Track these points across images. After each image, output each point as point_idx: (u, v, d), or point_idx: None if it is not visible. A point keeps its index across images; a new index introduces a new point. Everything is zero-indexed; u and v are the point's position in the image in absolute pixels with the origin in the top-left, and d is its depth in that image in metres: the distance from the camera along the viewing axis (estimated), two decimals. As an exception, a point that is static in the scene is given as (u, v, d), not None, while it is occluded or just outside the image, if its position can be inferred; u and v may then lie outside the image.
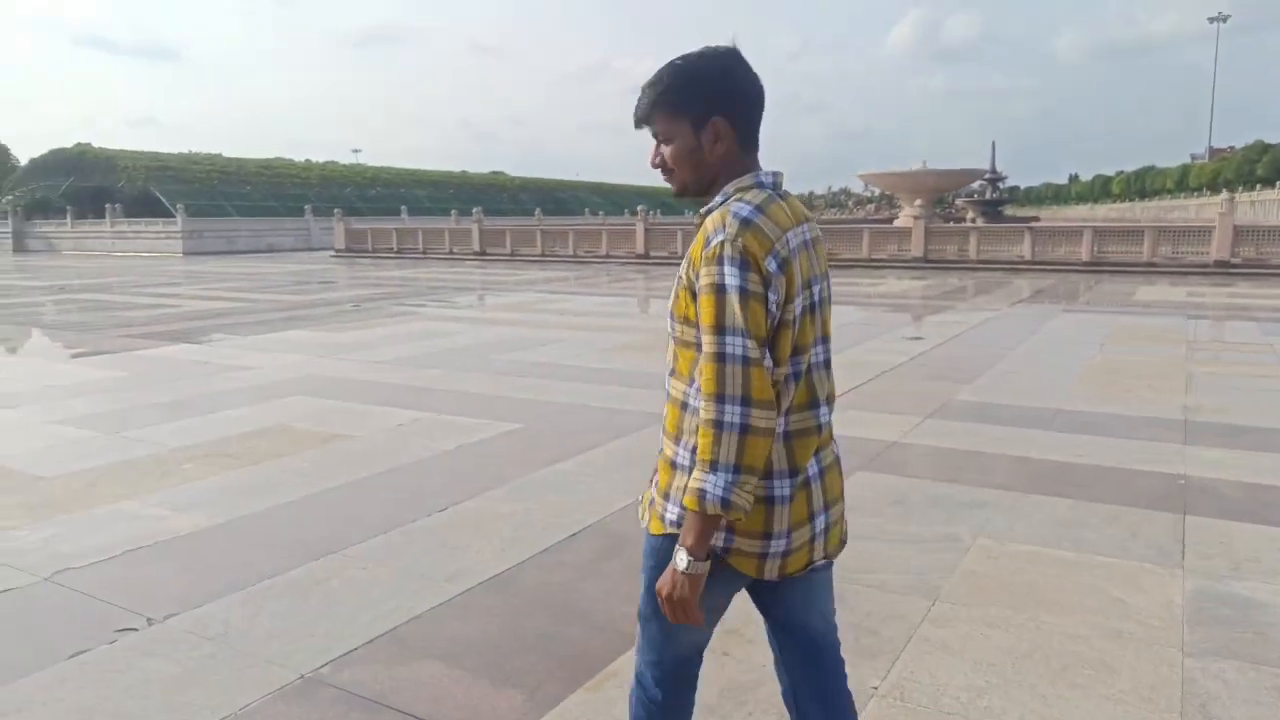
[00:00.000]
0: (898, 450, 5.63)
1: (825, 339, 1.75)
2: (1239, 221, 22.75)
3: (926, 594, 3.49)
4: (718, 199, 1.69)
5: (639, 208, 30.94)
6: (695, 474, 1.56)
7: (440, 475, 5.22)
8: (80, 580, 3.69)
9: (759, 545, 1.67)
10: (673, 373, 1.73)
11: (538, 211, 51.88)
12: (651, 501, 1.77)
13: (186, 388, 7.89)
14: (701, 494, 1.54)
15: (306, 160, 70.69)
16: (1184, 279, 20.29)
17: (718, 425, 1.53)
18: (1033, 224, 27.36)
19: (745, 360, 1.52)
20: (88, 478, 5.11)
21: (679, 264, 1.70)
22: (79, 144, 58.64)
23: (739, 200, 1.63)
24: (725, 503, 1.52)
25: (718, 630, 1.93)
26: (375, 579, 3.70)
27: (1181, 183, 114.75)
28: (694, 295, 1.61)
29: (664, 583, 1.62)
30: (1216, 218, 22.22)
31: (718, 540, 1.65)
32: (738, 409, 1.52)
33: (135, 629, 3.25)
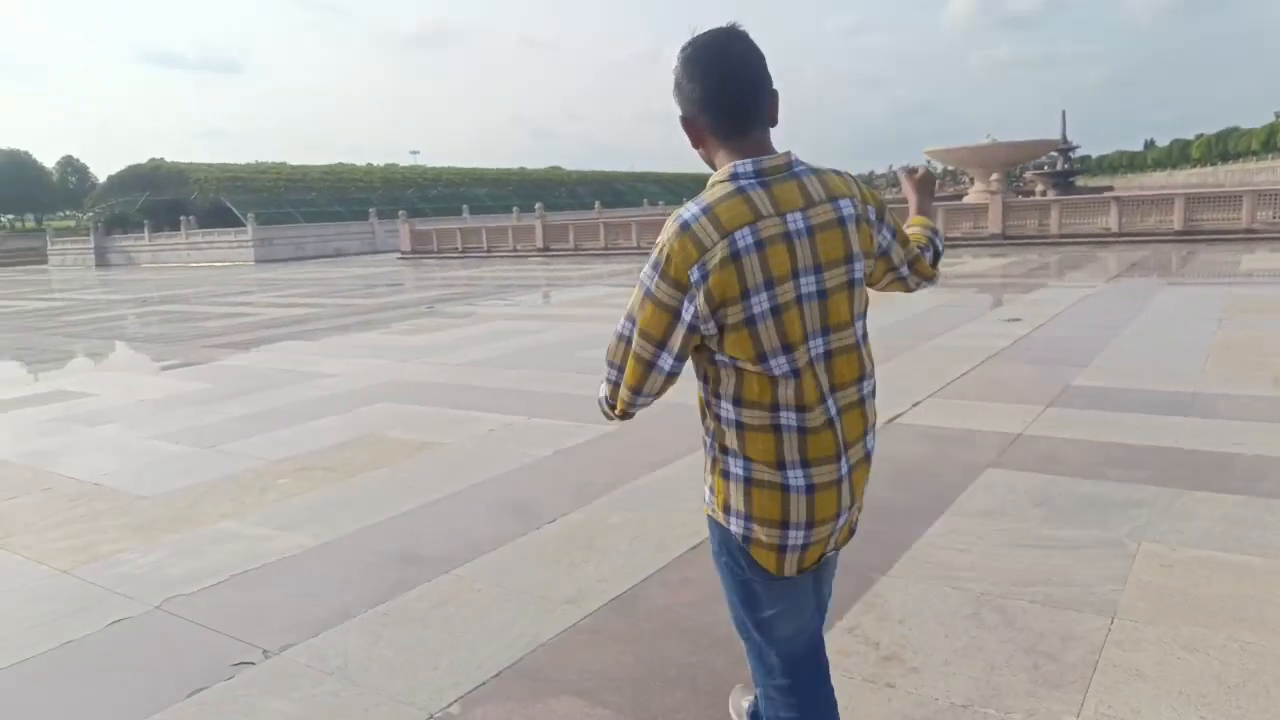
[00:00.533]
0: (1025, 444, 5.23)
1: (832, 329, 1.70)
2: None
3: (1101, 610, 3.12)
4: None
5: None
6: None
7: (541, 484, 5.01)
8: (191, 608, 3.55)
9: (776, 535, 1.72)
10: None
11: (597, 204, 51.87)
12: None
13: (273, 397, 7.85)
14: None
15: (368, 164, 71.93)
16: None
17: (608, 381, 1.79)
18: (1118, 194, 26.13)
19: (620, 336, 1.71)
20: (188, 496, 5.03)
21: None
22: (153, 159, 60.63)
23: (696, 199, 1.64)
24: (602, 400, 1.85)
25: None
26: (493, 602, 3.48)
27: (1269, 143, 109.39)
28: None
29: None
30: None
31: (737, 527, 1.75)
32: (607, 370, 1.77)
33: (252, 662, 3.08)
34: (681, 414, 6.54)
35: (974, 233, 25.02)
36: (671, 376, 1.72)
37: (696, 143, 1.74)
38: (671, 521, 4.20)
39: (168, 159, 60.79)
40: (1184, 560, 3.49)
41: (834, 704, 1.95)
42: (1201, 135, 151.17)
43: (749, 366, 1.64)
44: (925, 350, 8.54)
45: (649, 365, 1.69)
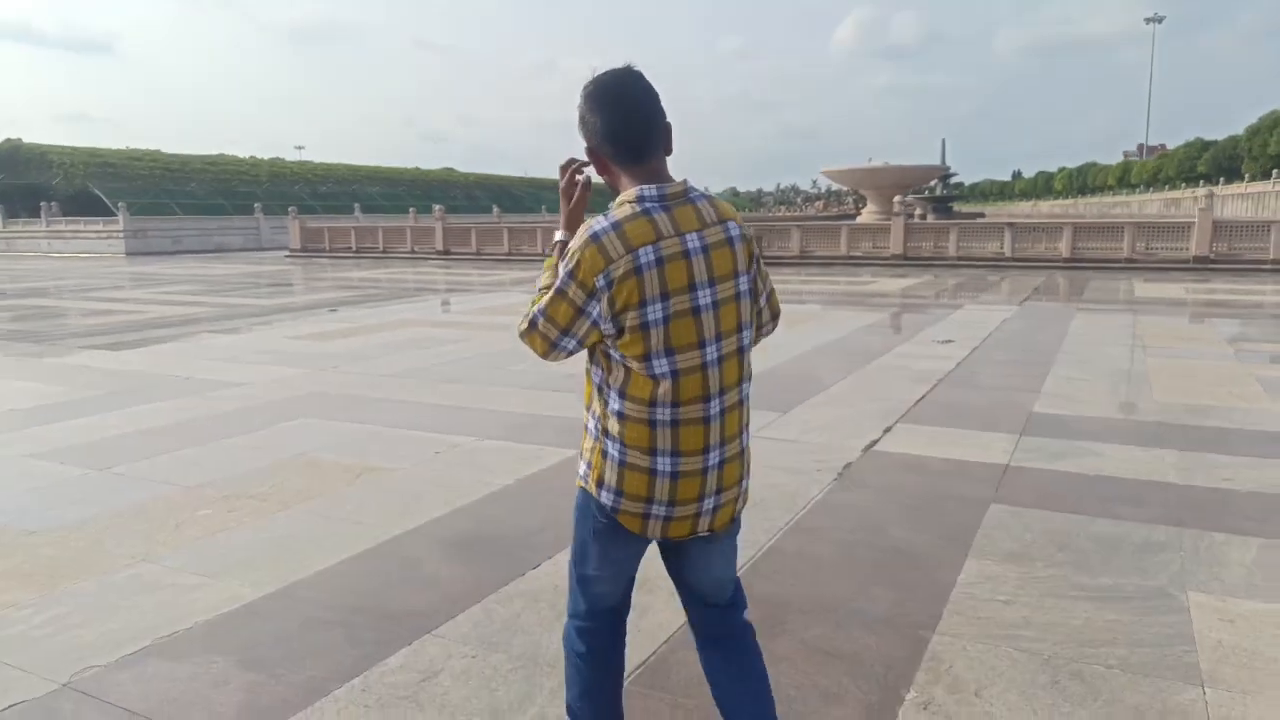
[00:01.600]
0: (1016, 477, 5.01)
1: (723, 335, 1.92)
2: (1215, 217, 22.80)
3: (1188, 678, 2.84)
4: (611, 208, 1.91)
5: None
6: (550, 274, 1.97)
7: (512, 518, 4.45)
8: (110, 687, 2.86)
9: (640, 508, 1.96)
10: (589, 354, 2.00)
11: (495, 209, 50.72)
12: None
13: (173, 410, 6.96)
14: (541, 278, 2.01)
15: (252, 157, 68.35)
16: (1166, 274, 20.24)
17: (523, 322, 1.98)
18: (1011, 221, 27.19)
19: (533, 324, 1.95)
20: (90, 532, 4.23)
21: None
22: (8, 139, 55.77)
23: (604, 214, 1.87)
24: (530, 322, 1.97)
25: None
26: (495, 673, 2.94)
27: (1123, 179, 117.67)
28: None
29: (563, 189, 2.07)
30: (1196, 214, 22.24)
31: (608, 499, 1.98)
32: (521, 332, 1.99)
33: (205, 764, 2.45)
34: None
35: (875, 252, 25.55)
36: (570, 354, 1.96)
37: (602, 170, 1.95)
38: (676, 566, 3.74)
39: (25, 140, 56.05)
40: (1244, 615, 3.26)
41: (618, 668, 2.29)
42: (1063, 169, 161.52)
43: (635, 365, 1.87)
44: (871, 372, 8.36)
45: (552, 345, 1.95)
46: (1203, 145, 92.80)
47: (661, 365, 1.86)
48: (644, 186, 1.86)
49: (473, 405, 7.06)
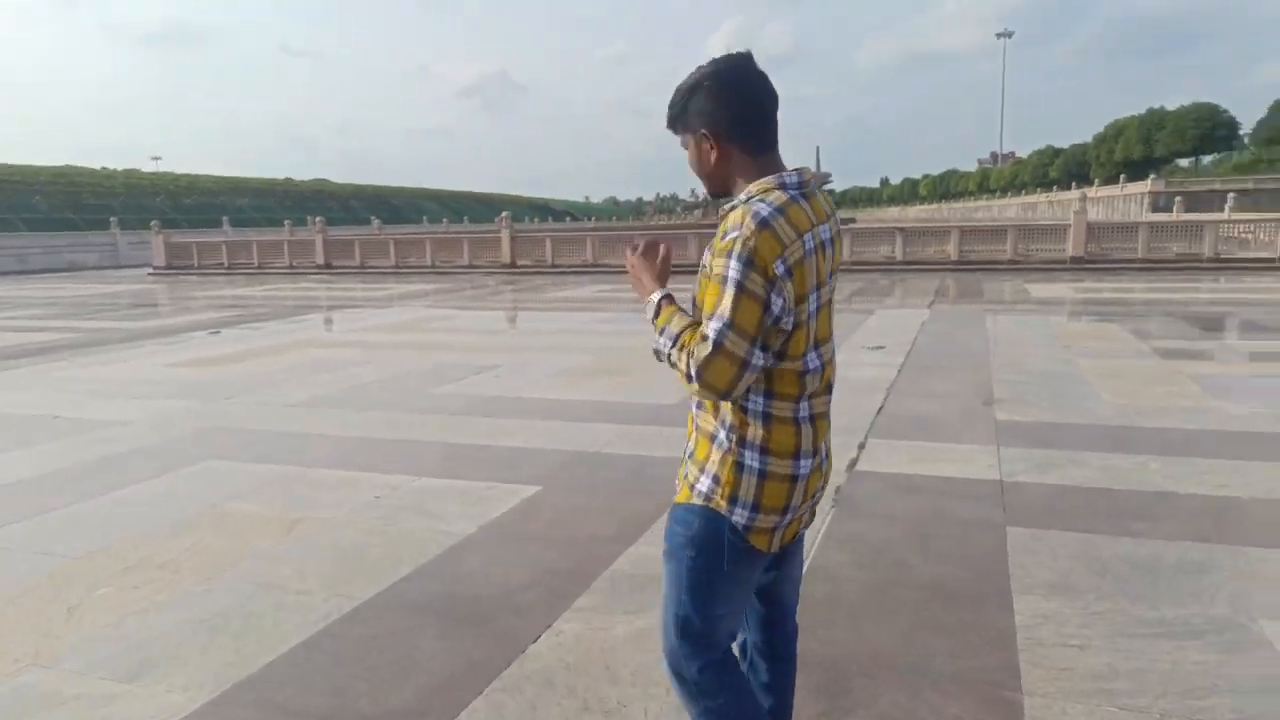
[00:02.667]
0: (1016, 494, 4.73)
1: (829, 334, 1.89)
2: (1090, 219, 23.99)
3: (1315, 730, 2.53)
4: (740, 198, 1.76)
5: (503, 215, 29.28)
6: (676, 323, 1.79)
7: (486, 578, 3.82)
8: None
9: (774, 520, 1.82)
10: None
11: (376, 221, 48.87)
12: (686, 474, 1.88)
13: (46, 457, 5.94)
14: (663, 331, 1.81)
15: (105, 168, 63.66)
16: (1049, 274, 21.10)
17: (687, 369, 1.71)
18: (900, 225, 27.92)
19: (717, 347, 1.66)
20: (-46, 630, 3.36)
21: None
22: None
23: (761, 200, 1.71)
24: (658, 353, 1.84)
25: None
26: (527, 793, 2.35)
27: (982, 185, 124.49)
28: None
29: (636, 270, 1.94)
30: (1072, 217, 23.32)
31: (742, 517, 1.80)
32: (693, 382, 1.70)
33: None
34: (612, 466, 5.56)
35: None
36: (753, 377, 1.73)
37: (719, 158, 1.80)
38: (698, 627, 3.22)
39: None
40: (1327, 644, 3.01)
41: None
42: (927, 175, 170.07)
43: (790, 363, 1.76)
44: (816, 381, 8.06)
45: (744, 365, 1.68)
46: (1054, 152, 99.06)
47: (813, 360, 1.80)
48: (784, 174, 1.78)
49: (400, 436, 6.34)
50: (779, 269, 1.66)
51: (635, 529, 4.28)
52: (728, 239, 1.67)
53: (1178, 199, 43.61)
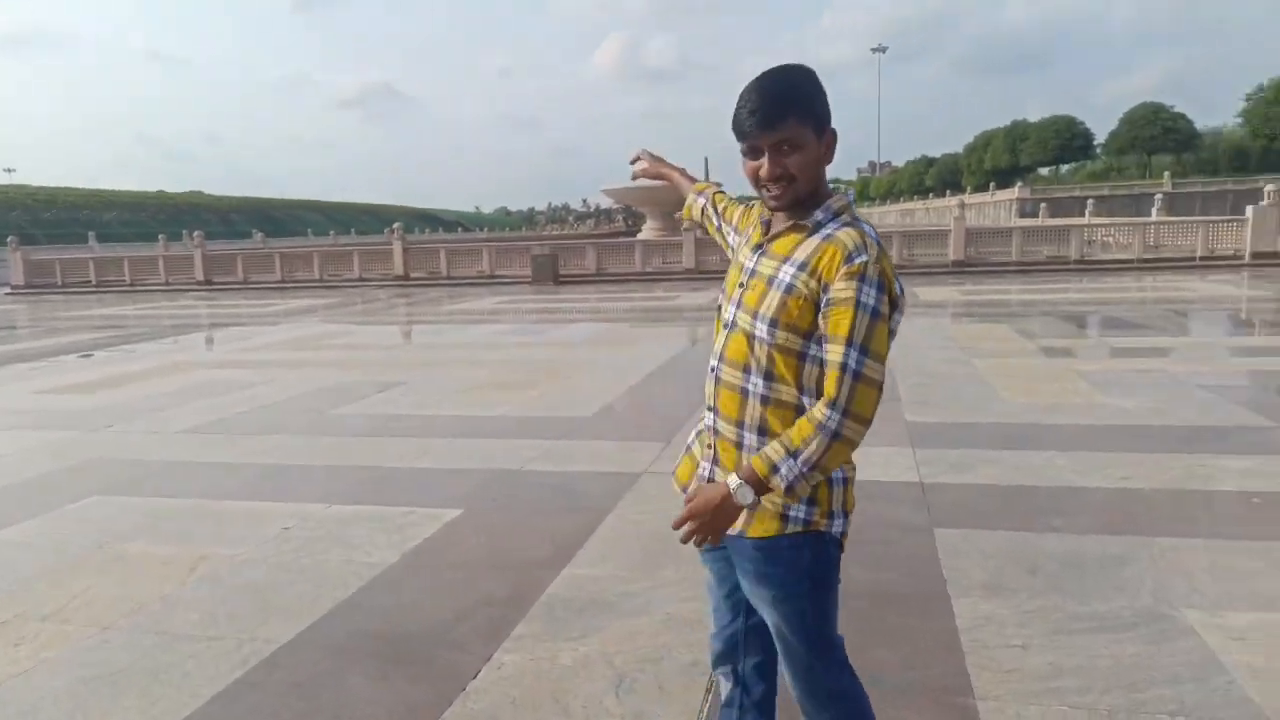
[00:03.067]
0: (938, 494, 4.83)
1: None
2: (968, 225, 25.13)
3: (1257, 716, 2.62)
4: (820, 215, 1.72)
5: (395, 226, 28.52)
6: (775, 447, 1.66)
7: (416, 610, 3.61)
8: None
9: (841, 524, 1.81)
10: (769, 375, 1.74)
11: (259, 234, 46.96)
12: (751, 504, 1.73)
13: (-101, 500, 5.35)
14: (774, 468, 1.65)
15: (-50, 180, 58.89)
16: (932, 278, 21.92)
17: (821, 427, 1.62)
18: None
19: (859, 376, 1.61)
20: None
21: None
22: None
23: (858, 221, 1.72)
24: (790, 488, 1.66)
25: None
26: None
27: (863, 192, 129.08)
28: (816, 306, 1.66)
29: (705, 508, 1.71)
30: (952, 222, 24.38)
31: (839, 528, 1.80)
32: (840, 419, 1.61)
33: None
34: (536, 485, 5.39)
35: (667, 268, 25.98)
36: None
37: (829, 148, 1.75)
38: (661, 654, 3.13)
39: None
40: (1248, 629, 3.14)
41: None
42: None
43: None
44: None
45: (880, 389, 1.66)
46: (928, 161, 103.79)
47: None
48: (848, 192, 1.95)
49: (305, 461, 6.00)
50: (897, 288, 1.68)
51: (568, 550, 4.14)
52: (856, 262, 1.61)
53: (1043, 204, 46.35)
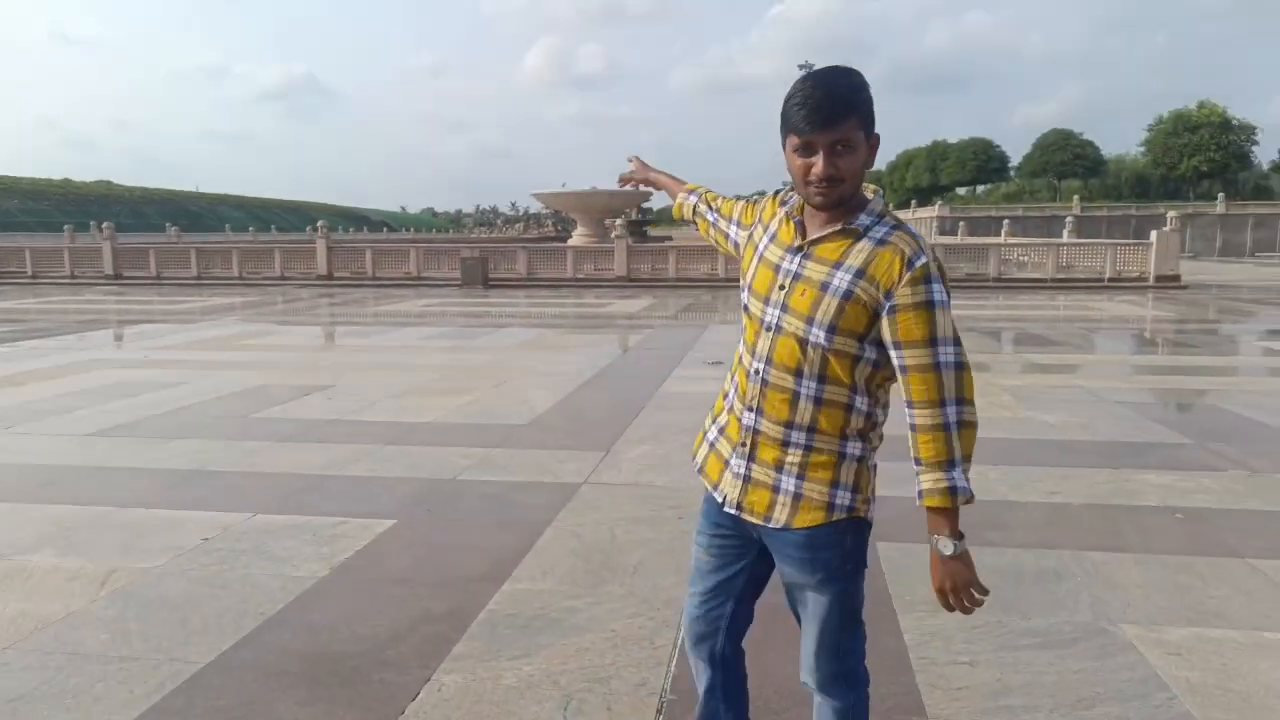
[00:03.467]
0: (878, 507, 4.84)
1: None
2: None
3: (1192, 730, 2.67)
4: (864, 218, 1.75)
5: (319, 223, 27.74)
6: (940, 473, 1.71)
7: (350, 624, 3.43)
8: None
9: (873, 509, 1.92)
10: (823, 378, 1.78)
11: (173, 228, 45.14)
12: (796, 496, 1.82)
13: None
14: (954, 490, 1.71)
15: None
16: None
17: (971, 425, 1.73)
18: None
19: (960, 365, 1.71)
20: None
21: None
22: None
23: (902, 223, 1.76)
24: (970, 493, 1.73)
25: None
26: None
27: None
28: (873, 312, 1.71)
29: (942, 578, 1.76)
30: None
31: (872, 512, 1.92)
32: (962, 409, 1.71)
33: None
34: (471, 495, 5.23)
35: (598, 274, 25.91)
36: None
37: (871, 155, 1.76)
38: (605, 668, 3.03)
39: None
40: (1183, 644, 3.21)
41: None
42: (739, 196, 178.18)
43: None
44: (664, 399, 8.04)
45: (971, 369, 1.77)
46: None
47: None
48: (878, 192, 1.85)
49: (226, 468, 5.71)
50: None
51: (507, 564, 4.01)
52: (918, 266, 1.69)
53: (961, 223, 47.82)
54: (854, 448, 1.83)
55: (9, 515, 4.74)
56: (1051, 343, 12.94)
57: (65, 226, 33.33)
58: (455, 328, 14.83)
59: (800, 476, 1.83)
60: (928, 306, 1.68)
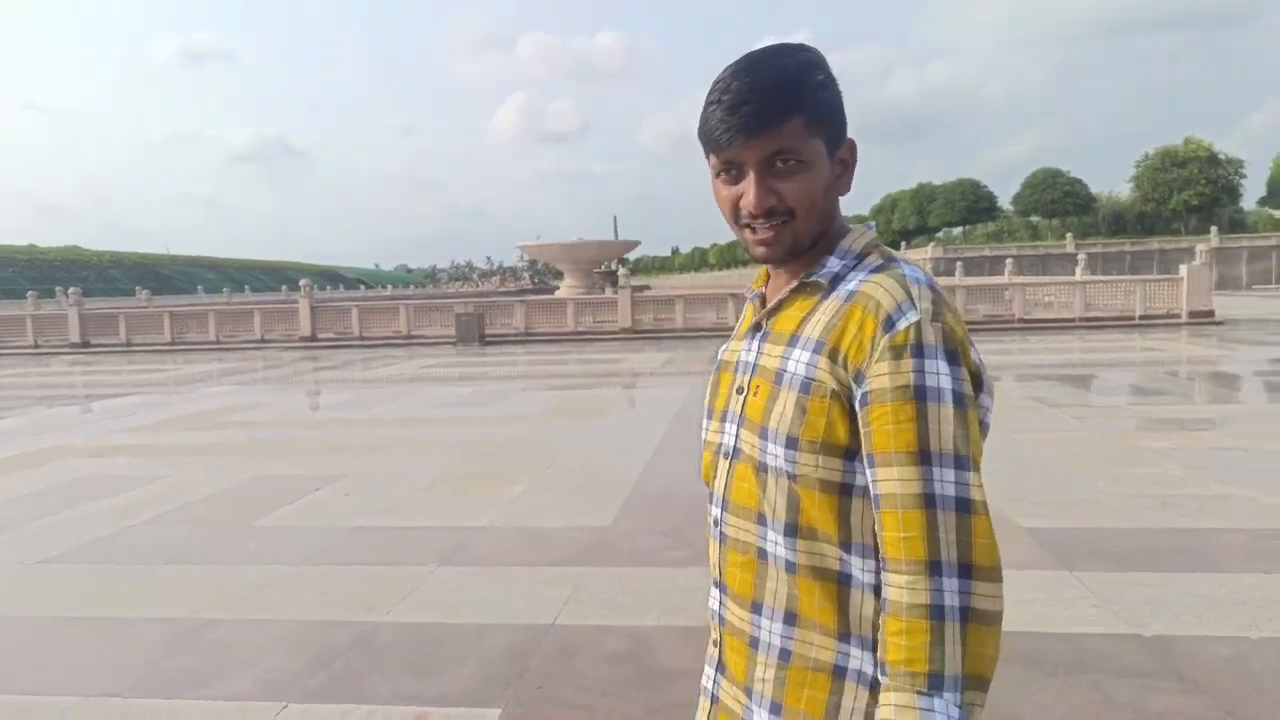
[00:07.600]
0: (1174, 652, 3.41)
1: None
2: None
3: None
4: (834, 263, 1.07)
5: (302, 282, 26.24)
6: (910, 695, 0.92)
7: None
8: None
9: None
10: (794, 528, 1.03)
11: (144, 291, 43.33)
12: None
13: None
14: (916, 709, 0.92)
15: None
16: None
17: (986, 618, 0.93)
18: (735, 291, 27.66)
19: (963, 504, 0.94)
20: None
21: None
22: None
23: (895, 260, 1.07)
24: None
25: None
26: None
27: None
28: (849, 407, 0.99)
29: None
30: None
31: None
32: (988, 587, 0.93)
33: None
34: (599, 649, 3.64)
35: (598, 326, 24.75)
36: None
37: (844, 185, 1.12)
38: None
39: None
40: None
41: None
42: (715, 244, 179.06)
43: None
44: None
45: (989, 516, 0.98)
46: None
47: None
48: (869, 224, 1.17)
49: (228, 614, 4.15)
50: (975, 355, 1.01)
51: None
52: (901, 327, 0.96)
53: (958, 263, 47.19)
54: (861, 659, 1.01)
55: (-89, 720, 3.16)
56: (1153, 392, 11.51)
57: (29, 293, 31.55)
58: (463, 391, 13.32)
59: (775, 710, 1.04)
60: (914, 395, 0.95)
